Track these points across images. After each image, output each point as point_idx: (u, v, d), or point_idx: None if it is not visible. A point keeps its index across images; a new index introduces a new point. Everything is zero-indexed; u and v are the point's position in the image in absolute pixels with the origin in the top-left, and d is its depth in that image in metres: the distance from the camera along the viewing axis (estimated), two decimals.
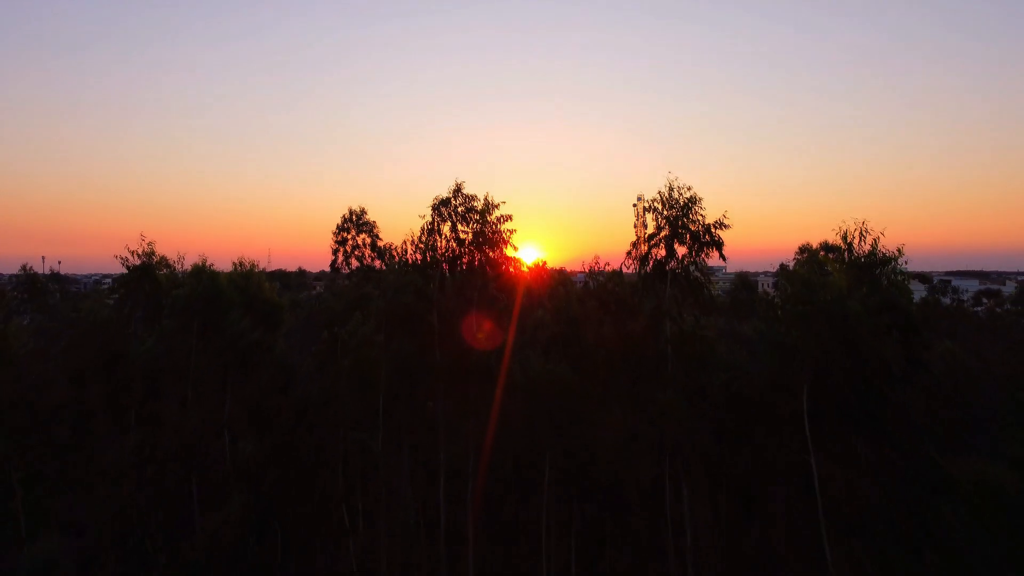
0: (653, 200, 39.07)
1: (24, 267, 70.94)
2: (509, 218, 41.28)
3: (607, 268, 45.17)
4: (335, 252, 47.87)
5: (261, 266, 50.41)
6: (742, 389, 36.59)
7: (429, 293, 41.65)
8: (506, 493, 43.11)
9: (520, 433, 41.73)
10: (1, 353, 40.26)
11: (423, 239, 41.80)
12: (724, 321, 52.37)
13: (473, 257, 41.38)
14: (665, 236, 38.80)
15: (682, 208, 38.19)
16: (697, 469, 39.02)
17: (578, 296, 44.89)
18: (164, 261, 47.91)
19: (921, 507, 34.49)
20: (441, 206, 41.46)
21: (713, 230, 38.15)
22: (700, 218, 38.23)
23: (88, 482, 43.22)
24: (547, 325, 43.12)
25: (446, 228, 41.52)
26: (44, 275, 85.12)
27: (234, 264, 47.26)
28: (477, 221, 41.03)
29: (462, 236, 41.40)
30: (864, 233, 35.72)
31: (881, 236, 35.47)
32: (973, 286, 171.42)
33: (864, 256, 35.55)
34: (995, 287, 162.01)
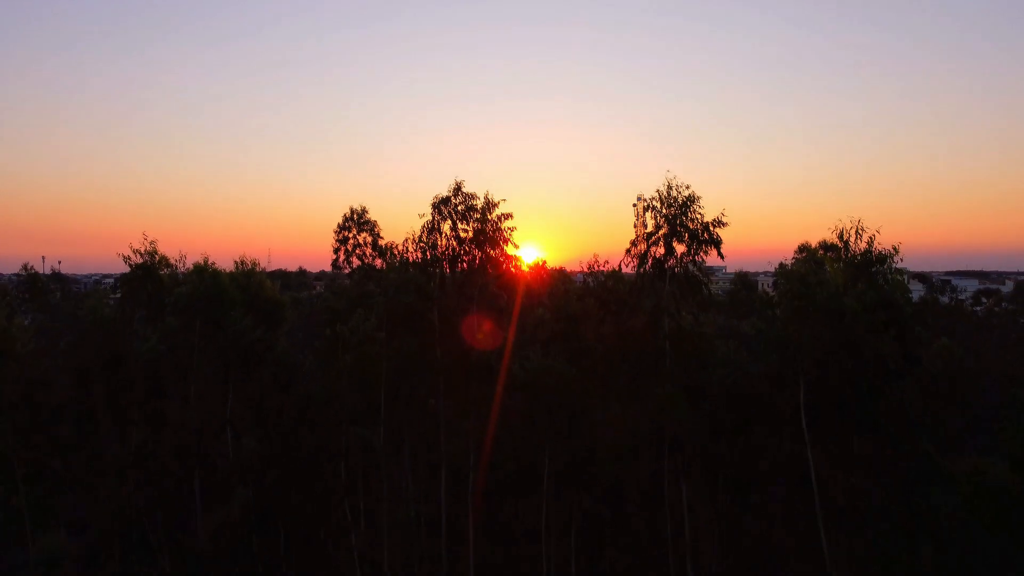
0: (652, 198, 39.36)
1: (25, 266, 71.17)
2: (509, 216, 41.58)
3: (606, 266, 45.43)
4: (336, 251, 48.18)
5: (262, 266, 50.76)
6: (740, 385, 36.89)
7: (430, 291, 41.92)
8: (506, 490, 43.37)
9: (520, 430, 42.02)
10: (4, 351, 40.49)
11: (424, 238, 42.08)
12: (724, 319, 52.62)
13: (474, 256, 41.65)
14: (664, 234, 39.08)
15: (681, 206, 38.48)
16: (696, 465, 39.30)
17: (577, 294, 45.16)
18: (165, 261, 48.17)
19: (918, 502, 34.80)
20: (441, 205, 41.72)
21: (712, 228, 38.45)
22: (699, 216, 38.52)
23: (91, 480, 43.56)
24: (547, 323, 43.39)
25: (446, 227, 41.80)
26: (45, 275, 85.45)
27: (236, 263, 47.58)
28: (477, 220, 41.31)
29: (462, 234, 41.68)
30: (860, 231, 36.07)
31: (876, 234, 35.81)
32: (972, 286, 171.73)
33: (860, 254, 35.88)
34: (994, 287, 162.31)
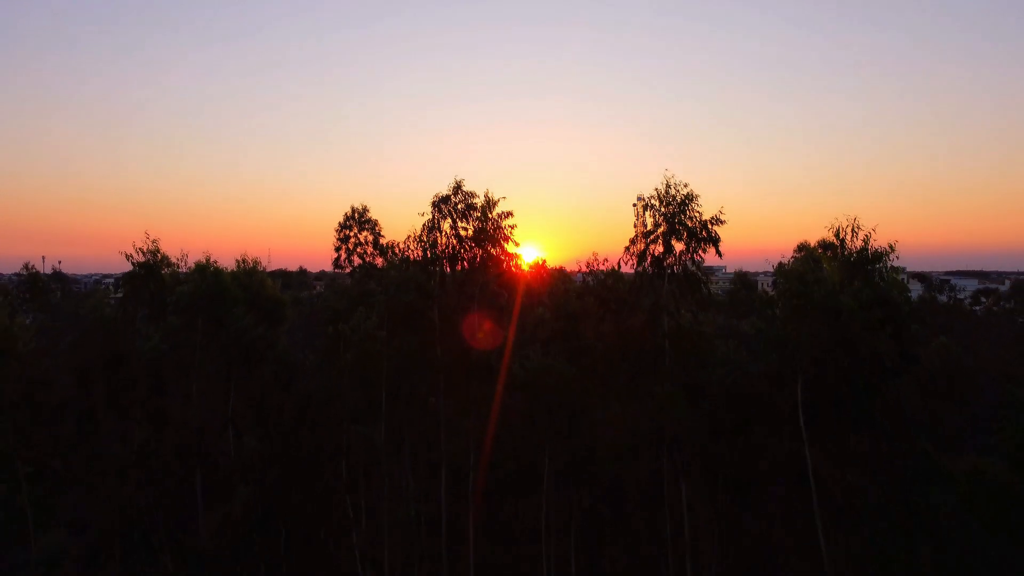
0: (650, 197, 39.49)
1: (26, 265, 71.21)
2: (510, 214, 41.75)
3: (605, 264, 45.56)
4: (338, 249, 48.36)
5: (262, 265, 50.88)
6: (739, 384, 37.08)
7: (430, 290, 42.09)
8: (507, 489, 43.54)
9: (520, 429, 42.20)
10: (6, 350, 40.64)
11: (424, 236, 42.26)
12: (723, 318, 52.83)
13: (474, 254, 41.83)
14: (663, 232, 39.23)
15: (679, 205, 38.62)
16: (695, 464, 39.45)
17: (577, 292, 45.31)
18: (166, 260, 48.35)
19: (916, 501, 34.98)
20: (441, 203, 41.90)
21: (710, 226, 38.60)
22: (697, 214, 38.67)
23: (92, 479, 43.66)
24: (546, 322, 43.54)
25: (446, 225, 41.98)
26: (46, 274, 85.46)
27: (237, 262, 47.72)
28: (478, 218, 41.48)
29: (462, 233, 41.86)
30: (856, 229, 36.31)
31: (872, 232, 36.05)
32: (972, 285, 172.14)
33: (856, 252, 36.11)
34: (993, 286, 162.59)
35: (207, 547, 42.89)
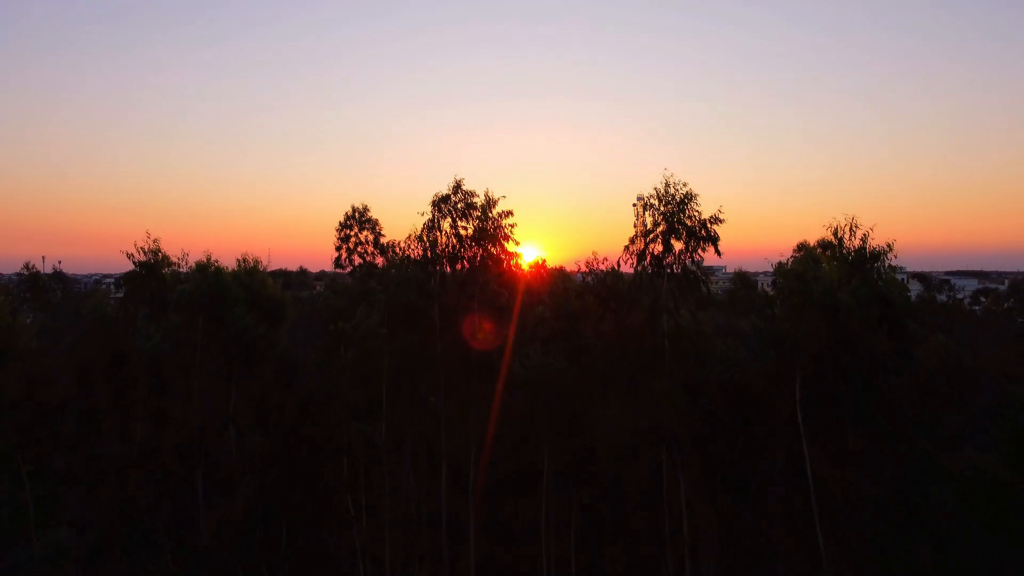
0: (649, 196, 39.69)
1: (27, 265, 71.33)
2: (510, 214, 41.93)
3: (605, 263, 45.74)
4: (338, 249, 48.51)
5: (263, 264, 51.03)
6: (738, 382, 37.26)
7: (430, 289, 42.27)
8: (507, 488, 43.70)
9: (521, 428, 42.37)
10: (8, 348, 40.80)
11: (424, 236, 42.44)
12: (723, 317, 52.95)
13: (474, 253, 42.00)
14: (662, 231, 39.42)
15: (678, 204, 38.81)
16: (694, 461, 39.62)
17: (576, 291, 45.49)
18: (166, 260, 48.54)
19: (914, 498, 35.10)
20: (441, 203, 42.10)
21: (709, 225, 38.78)
22: (696, 214, 38.88)
23: (94, 477, 43.82)
24: (546, 321, 43.73)
25: (446, 224, 42.17)
26: (47, 274, 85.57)
27: (238, 261, 47.91)
28: (478, 217, 41.66)
29: (462, 232, 42.03)
30: (854, 228, 36.59)
31: (870, 232, 36.33)
32: (972, 285, 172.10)
33: (854, 250, 36.37)
34: (994, 286, 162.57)
35: (208, 545, 43.06)
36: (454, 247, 42.19)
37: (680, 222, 38.85)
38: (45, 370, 44.41)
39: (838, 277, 34.80)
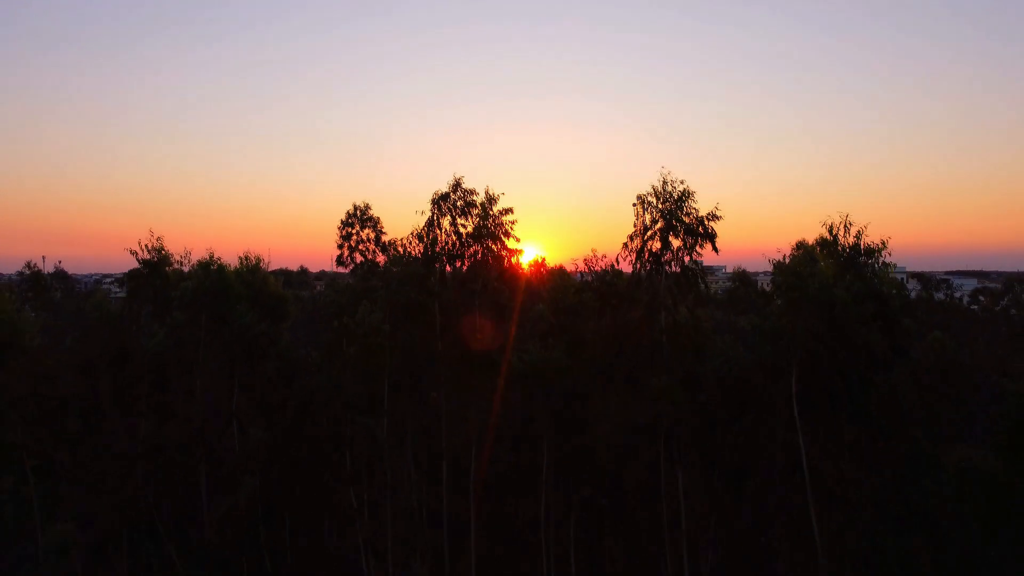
0: (647, 194, 40.09)
1: (28, 264, 71.72)
2: (510, 211, 42.36)
3: (604, 261, 46.10)
4: (340, 246, 48.93)
5: (264, 263, 51.42)
6: (735, 376, 37.69)
7: (431, 286, 42.69)
8: (507, 481, 44.07)
9: (521, 422, 42.77)
10: (13, 343, 41.20)
11: (424, 235, 42.86)
12: (722, 314, 53.38)
13: (475, 250, 42.41)
14: (660, 228, 39.82)
15: (676, 201, 39.22)
16: (692, 455, 40.03)
17: (575, 289, 45.86)
18: (168, 259, 48.95)
19: (909, 490, 35.52)
20: (440, 201, 42.53)
21: (707, 222, 39.19)
22: (694, 211, 39.31)
23: (99, 472, 44.18)
24: (546, 317, 44.11)
25: (446, 222, 42.60)
26: (48, 274, 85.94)
27: (240, 259, 48.28)
28: (478, 215, 42.07)
29: (461, 230, 42.44)
30: (848, 226, 37.16)
31: (864, 229, 36.93)
32: (971, 284, 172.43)
33: (849, 248, 36.92)
34: (992, 285, 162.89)
35: (212, 540, 43.47)
36: (454, 245, 42.61)
37: (678, 219, 39.27)
38: (49, 367, 44.82)
39: (833, 273, 35.26)
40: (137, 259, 47.40)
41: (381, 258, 49.02)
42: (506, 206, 42.60)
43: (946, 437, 42.90)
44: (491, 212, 42.18)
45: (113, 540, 43.80)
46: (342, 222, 49.01)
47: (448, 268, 43.96)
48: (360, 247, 48.95)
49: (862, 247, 36.70)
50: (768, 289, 65.16)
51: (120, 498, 43.42)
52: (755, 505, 40.57)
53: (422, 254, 43.17)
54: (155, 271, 47.94)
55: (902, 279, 37.86)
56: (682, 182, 39.33)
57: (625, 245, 40.92)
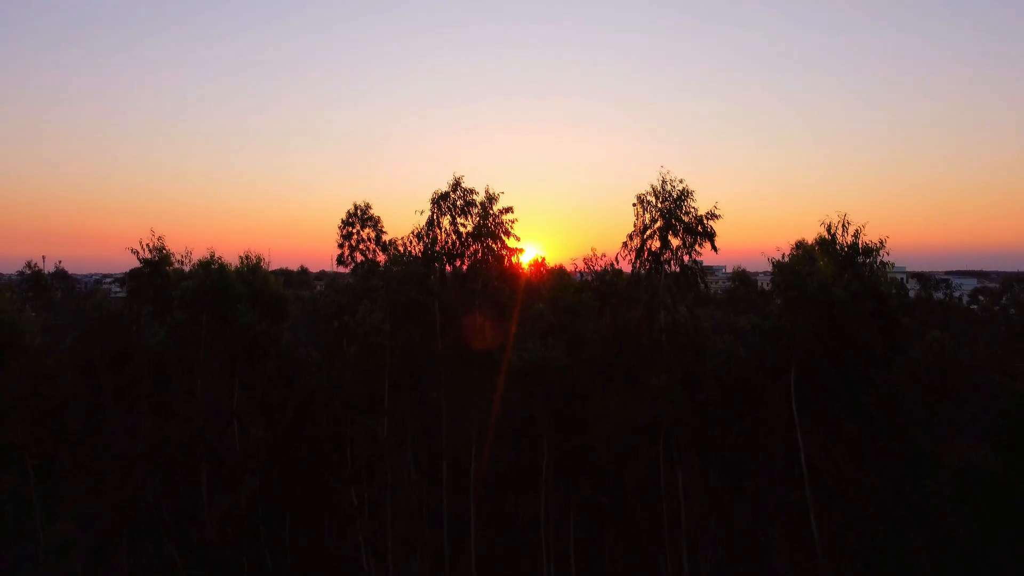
0: (647, 193, 40.17)
1: (29, 264, 71.77)
2: (510, 210, 42.41)
3: (603, 261, 46.17)
4: (341, 246, 49.03)
5: (265, 263, 51.47)
6: (734, 374, 37.77)
7: (431, 286, 42.74)
8: (507, 480, 44.14)
9: (520, 422, 42.82)
10: (13, 343, 41.26)
11: (424, 233, 42.91)
12: (721, 314, 53.42)
13: (475, 249, 42.46)
14: (659, 228, 39.90)
15: (675, 200, 39.30)
16: (691, 453, 40.08)
17: (575, 287, 45.93)
18: (168, 259, 49.03)
19: (908, 489, 35.56)
20: (440, 200, 42.59)
21: (706, 221, 39.27)
22: (693, 210, 39.39)
23: (100, 471, 44.23)
24: (545, 316, 44.17)
25: (446, 221, 42.66)
26: (49, 273, 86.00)
27: (241, 258, 48.36)
28: (478, 214, 42.12)
29: (461, 229, 42.49)
30: (846, 225, 37.31)
31: (862, 228, 37.08)
32: (971, 284, 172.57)
33: (847, 247, 37.04)
34: (992, 285, 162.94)
35: (212, 539, 43.52)
36: (454, 244, 42.66)
37: (677, 218, 39.35)
38: (50, 367, 44.86)
39: (832, 273, 35.37)
40: (138, 258, 47.57)
41: (381, 257, 49.11)
42: (506, 205, 42.66)
43: (946, 436, 42.96)
44: (491, 211, 42.26)
45: (114, 540, 43.84)
46: (342, 221, 49.12)
47: (448, 267, 44.00)
48: (360, 246, 49.05)
49: (860, 246, 36.84)
50: (768, 289, 65.28)
51: (120, 498, 43.47)
52: (755, 504, 40.61)
53: (422, 253, 43.23)
54: (156, 270, 48.04)
55: (902, 279, 37.98)
56: (681, 181, 39.48)
57: (624, 244, 41.03)
